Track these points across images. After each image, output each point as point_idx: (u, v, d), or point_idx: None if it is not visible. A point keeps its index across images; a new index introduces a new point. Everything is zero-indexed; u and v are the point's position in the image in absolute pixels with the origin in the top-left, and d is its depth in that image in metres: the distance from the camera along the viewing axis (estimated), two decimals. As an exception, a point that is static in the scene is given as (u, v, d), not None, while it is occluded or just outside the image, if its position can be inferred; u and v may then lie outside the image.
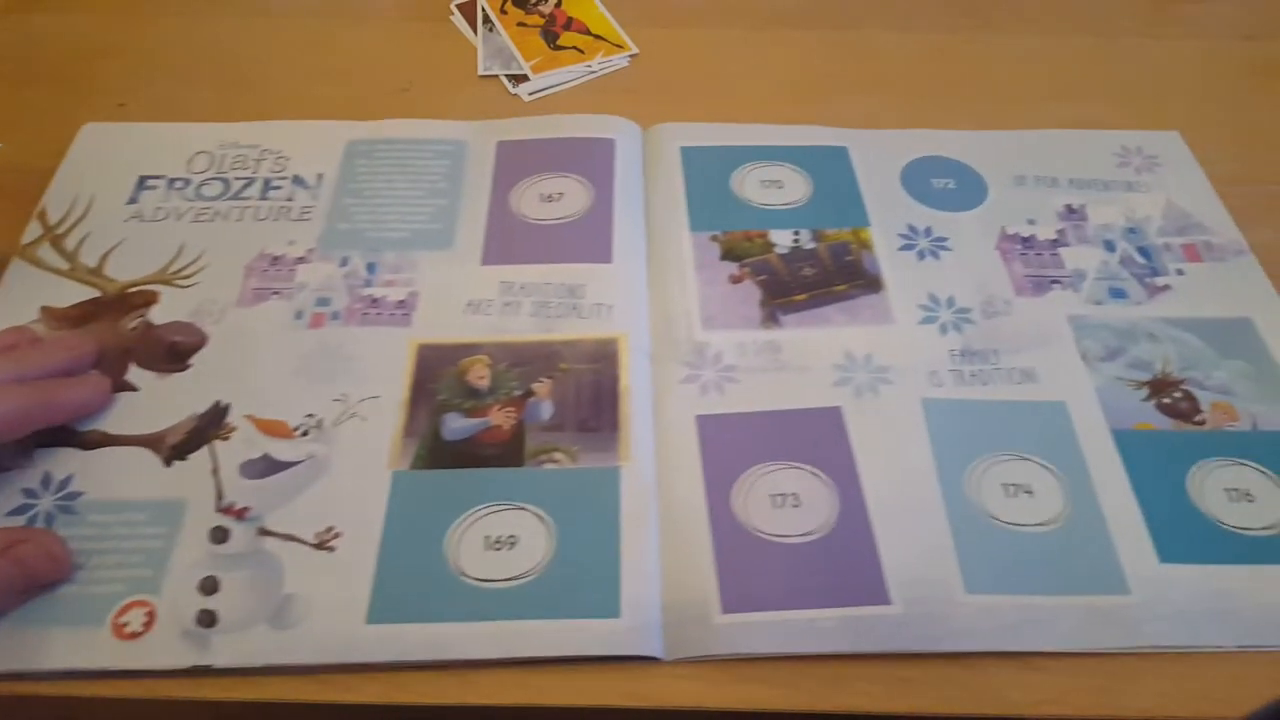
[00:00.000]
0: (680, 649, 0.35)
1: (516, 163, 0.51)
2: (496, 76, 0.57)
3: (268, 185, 0.50)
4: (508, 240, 0.48)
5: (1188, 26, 0.62)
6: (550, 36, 0.60)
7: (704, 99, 0.56)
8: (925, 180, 0.51)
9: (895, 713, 0.34)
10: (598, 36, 0.60)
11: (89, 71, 0.57)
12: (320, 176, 0.50)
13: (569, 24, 0.61)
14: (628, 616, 0.36)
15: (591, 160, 0.51)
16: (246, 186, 0.50)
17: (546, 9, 0.61)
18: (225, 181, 0.50)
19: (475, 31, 0.60)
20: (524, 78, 0.57)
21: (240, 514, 0.38)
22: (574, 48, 0.59)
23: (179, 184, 0.50)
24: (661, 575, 0.37)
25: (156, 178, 0.50)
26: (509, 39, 0.59)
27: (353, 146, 0.52)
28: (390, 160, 0.51)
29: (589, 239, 0.47)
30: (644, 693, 0.35)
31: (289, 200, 0.49)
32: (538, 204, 0.49)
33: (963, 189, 0.50)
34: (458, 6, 0.62)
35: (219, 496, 0.39)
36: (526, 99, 0.56)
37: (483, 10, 0.61)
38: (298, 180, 0.50)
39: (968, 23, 0.62)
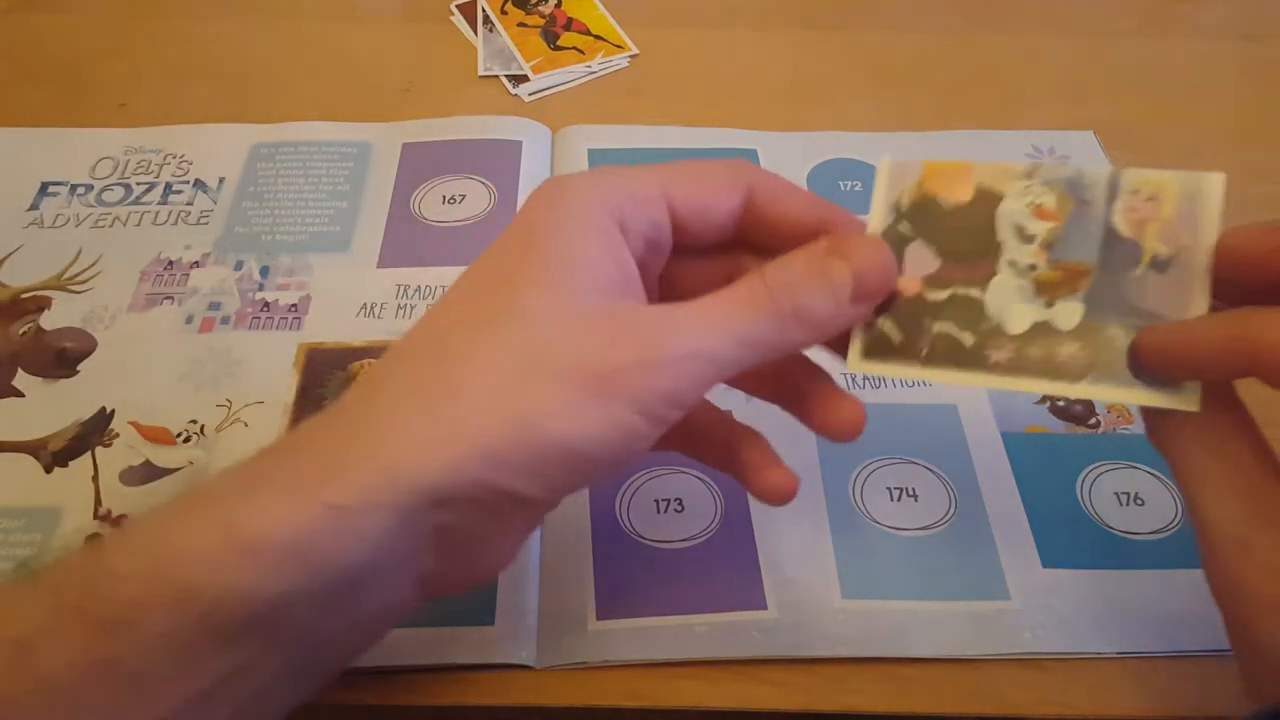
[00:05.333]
0: (553, 656, 0.35)
1: (421, 165, 0.51)
2: (497, 77, 0.57)
3: (169, 189, 0.50)
4: (406, 243, 0.47)
5: (1188, 26, 0.62)
6: (550, 37, 0.60)
7: (704, 99, 0.56)
8: (833, 182, 0.51)
9: (894, 713, 0.34)
10: (598, 37, 0.60)
11: (89, 71, 0.57)
12: (221, 180, 0.50)
13: (569, 24, 0.61)
14: (501, 624, 0.35)
15: (497, 162, 0.51)
16: (148, 191, 0.50)
17: (546, 9, 0.61)
18: (128, 187, 0.50)
19: (475, 32, 0.60)
20: (524, 78, 0.57)
21: (117, 522, 0.38)
22: (574, 48, 0.59)
23: (81, 190, 0.50)
24: (540, 582, 0.37)
25: (59, 184, 0.50)
26: (509, 39, 0.59)
27: (256, 149, 0.51)
28: (293, 163, 0.51)
29: (488, 242, 0.46)
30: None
31: (189, 204, 0.49)
32: (439, 206, 0.49)
33: (870, 190, 0.50)
34: (458, 7, 0.62)
35: (97, 503, 0.38)
36: (527, 99, 0.56)
37: (483, 11, 0.61)
38: (199, 184, 0.50)
39: (969, 23, 0.62)
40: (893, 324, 0.29)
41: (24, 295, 0.45)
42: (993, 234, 0.29)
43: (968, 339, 0.29)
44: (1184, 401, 0.27)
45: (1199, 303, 0.27)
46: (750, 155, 0.52)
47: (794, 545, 0.37)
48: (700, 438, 0.32)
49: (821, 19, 0.62)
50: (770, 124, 0.54)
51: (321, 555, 0.24)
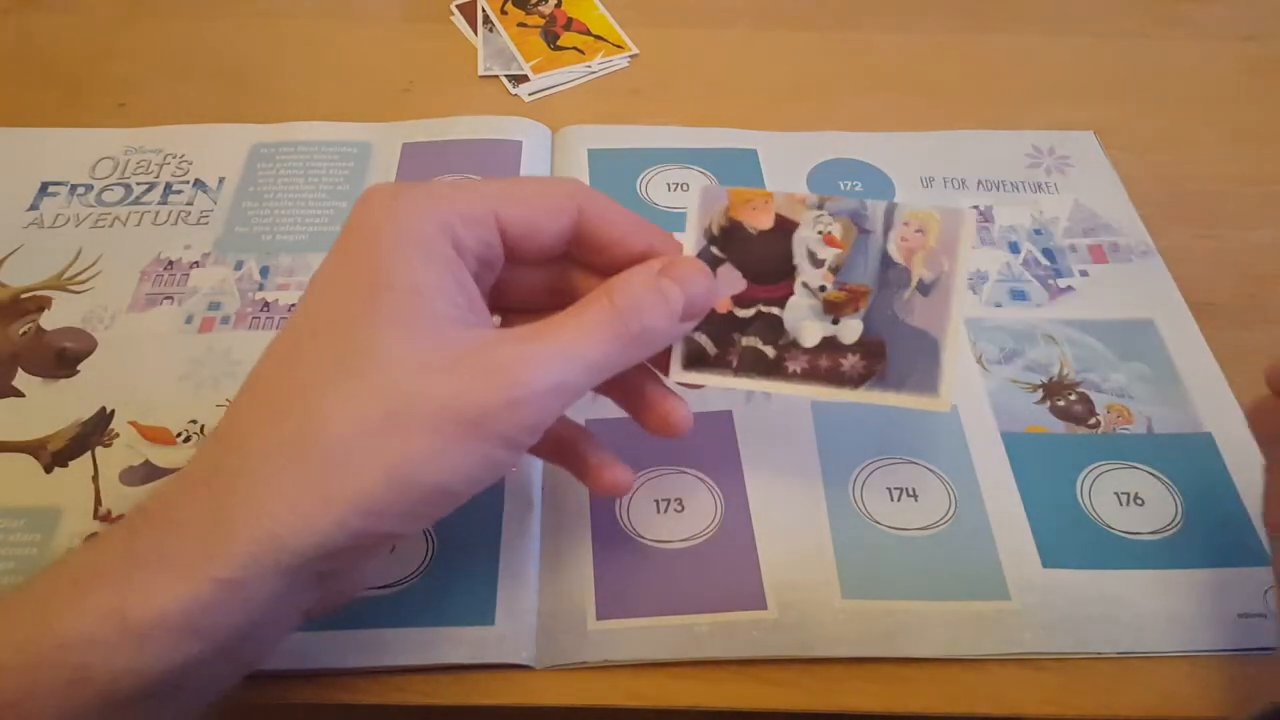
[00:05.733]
0: (552, 656, 0.35)
1: (421, 165, 0.51)
2: (497, 77, 0.57)
3: (168, 190, 0.50)
4: (405, 243, 0.47)
5: (1188, 26, 0.62)
6: (550, 37, 0.60)
7: (704, 99, 0.56)
8: (832, 182, 0.50)
9: (894, 713, 0.34)
10: (598, 37, 0.60)
11: (89, 71, 0.57)
12: (222, 180, 0.50)
13: (569, 24, 0.61)
14: (501, 624, 0.35)
15: (497, 163, 0.51)
16: (148, 191, 0.50)
17: (546, 9, 0.61)
18: (128, 187, 0.50)
19: (475, 32, 0.60)
20: (524, 78, 0.57)
21: (117, 521, 0.38)
22: (574, 48, 0.59)
23: (81, 190, 0.50)
24: (540, 582, 0.37)
25: (59, 184, 0.50)
26: (509, 39, 0.59)
27: (256, 149, 0.51)
28: (293, 163, 0.51)
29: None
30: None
31: (189, 204, 0.49)
32: (438, 207, 0.49)
33: (869, 191, 0.50)
34: (458, 7, 0.62)
35: (97, 504, 0.38)
36: (527, 99, 0.56)
37: (483, 11, 0.61)
38: (199, 184, 0.50)
39: (969, 23, 0.62)
40: (707, 338, 0.33)
41: (24, 295, 0.45)
42: (790, 258, 0.33)
43: (770, 351, 0.33)
44: (938, 404, 0.32)
45: (955, 319, 0.32)
46: (750, 155, 0.52)
47: (794, 545, 0.37)
48: (543, 440, 0.32)
49: (822, 19, 0.62)
50: (770, 124, 0.54)
51: (214, 626, 0.25)
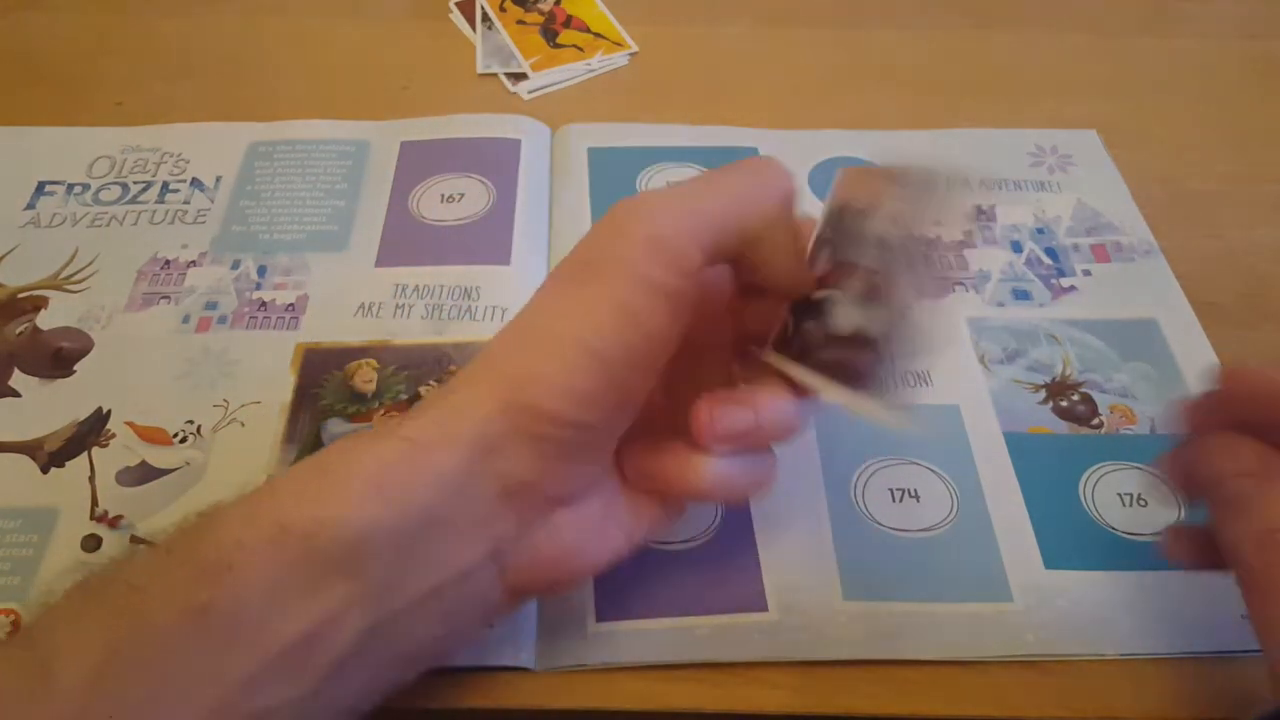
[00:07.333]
0: (552, 659, 0.34)
1: (419, 163, 0.50)
2: (496, 75, 0.57)
3: (165, 189, 0.49)
4: (404, 242, 0.47)
5: (1188, 26, 0.62)
6: (550, 34, 0.59)
7: (704, 97, 0.56)
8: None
9: (896, 715, 0.34)
10: (597, 34, 0.60)
11: (86, 70, 0.57)
12: (219, 179, 0.50)
13: (568, 22, 0.60)
14: (500, 626, 0.35)
15: (496, 161, 0.50)
16: (144, 190, 0.49)
17: (546, 7, 0.61)
18: (124, 186, 0.50)
19: (474, 29, 0.60)
20: (523, 76, 0.57)
21: (114, 522, 0.38)
22: (573, 46, 0.59)
23: (78, 189, 0.49)
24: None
25: (56, 183, 0.50)
26: (508, 37, 0.59)
27: (253, 148, 0.51)
28: (290, 161, 0.50)
29: (487, 241, 0.47)
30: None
31: (185, 203, 0.49)
32: (437, 205, 0.48)
33: (870, 190, 0.50)
34: (457, 4, 0.62)
35: (94, 504, 0.38)
36: (526, 97, 0.56)
37: (482, 8, 0.61)
38: (195, 183, 0.49)
39: (971, 22, 0.62)
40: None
41: (20, 295, 0.45)
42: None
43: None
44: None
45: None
46: (750, 154, 0.51)
47: (795, 546, 0.37)
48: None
49: (822, 17, 0.62)
50: (771, 122, 0.54)
51: (398, 488, 0.27)
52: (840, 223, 0.29)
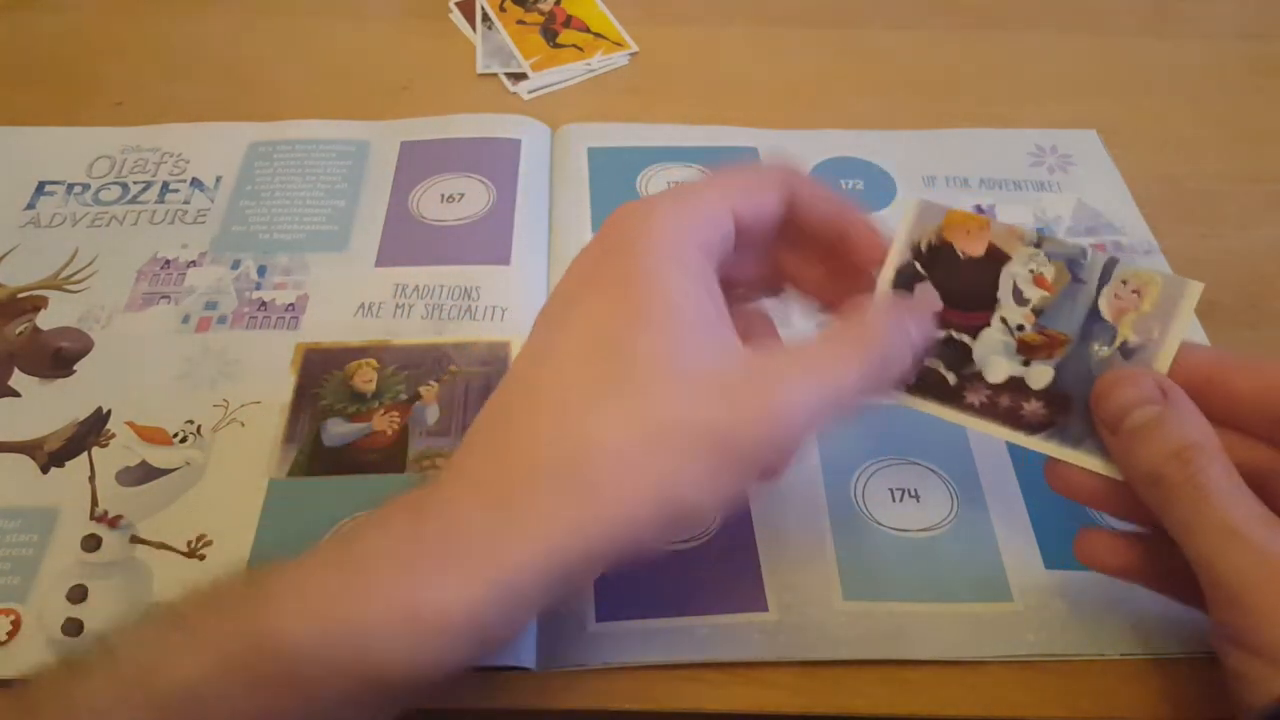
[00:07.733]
0: (552, 659, 0.34)
1: (419, 163, 0.50)
2: (496, 75, 0.57)
3: (165, 188, 0.49)
4: (404, 242, 0.47)
5: (1188, 26, 0.62)
6: (550, 34, 0.59)
7: (704, 97, 0.56)
8: (834, 180, 0.50)
9: (896, 715, 0.34)
10: (597, 34, 0.60)
11: (86, 70, 0.57)
12: (219, 179, 0.50)
13: (568, 22, 0.60)
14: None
15: (495, 161, 0.50)
16: (144, 190, 0.49)
17: (546, 7, 0.61)
18: (124, 186, 0.50)
19: (474, 29, 0.60)
20: (523, 76, 0.57)
21: (114, 522, 0.38)
22: (573, 46, 0.59)
23: (78, 189, 0.49)
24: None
25: (56, 183, 0.50)
26: (508, 37, 0.59)
27: (254, 148, 0.51)
28: (290, 161, 0.50)
29: (487, 241, 0.47)
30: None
31: (185, 203, 0.49)
32: (437, 205, 0.48)
33: (871, 190, 0.50)
34: (457, 4, 0.62)
35: (94, 504, 0.38)
36: (526, 97, 0.56)
37: (482, 8, 0.61)
38: (195, 183, 0.50)
39: (970, 21, 0.62)
40: None
41: (20, 295, 0.45)
42: (994, 289, 0.33)
43: (951, 378, 0.33)
44: (1110, 469, 0.31)
45: None
46: (751, 153, 0.52)
47: (795, 546, 0.37)
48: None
49: (822, 16, 0.62)
50: (770, 122, 0.54)
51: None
52: (946, 261, 0.33)
